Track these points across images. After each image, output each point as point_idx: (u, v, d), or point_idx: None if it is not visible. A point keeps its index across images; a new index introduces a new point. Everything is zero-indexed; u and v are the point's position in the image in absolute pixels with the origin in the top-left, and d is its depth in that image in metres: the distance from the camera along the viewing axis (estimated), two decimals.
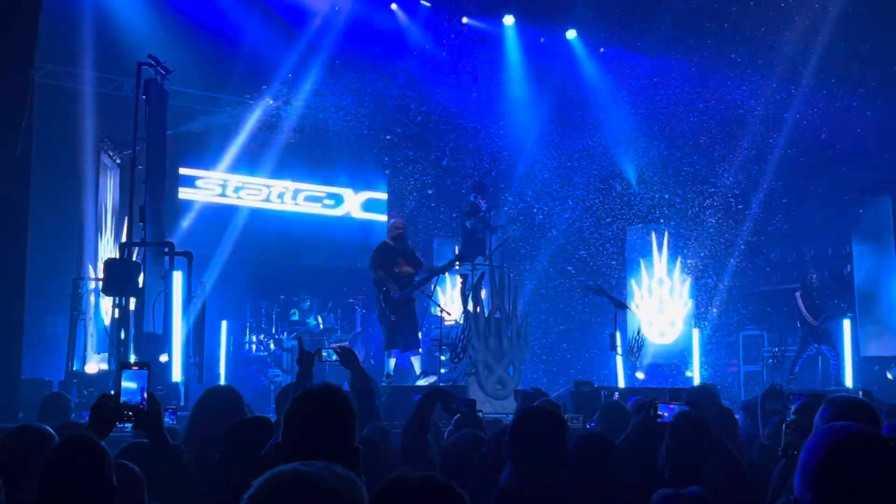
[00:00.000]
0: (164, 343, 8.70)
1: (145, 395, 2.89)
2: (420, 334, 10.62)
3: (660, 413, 4.05)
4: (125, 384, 2.90)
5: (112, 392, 2.91)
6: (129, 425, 2.97)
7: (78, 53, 11.91)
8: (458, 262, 10.66)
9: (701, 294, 14.76)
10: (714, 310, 14.54)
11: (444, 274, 10.96)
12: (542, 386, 8.29)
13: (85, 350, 10.65)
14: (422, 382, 10.14)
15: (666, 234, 15.04)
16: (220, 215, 13.88)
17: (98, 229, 11.92)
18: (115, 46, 11.78)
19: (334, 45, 13.68)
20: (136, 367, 2.93)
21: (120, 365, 3.00)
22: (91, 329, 10.96)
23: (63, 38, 11.23)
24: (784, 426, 3.71)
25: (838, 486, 1.84)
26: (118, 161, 12.03)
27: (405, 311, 10.21)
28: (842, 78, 13.22)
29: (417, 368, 10.53)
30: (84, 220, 11.98)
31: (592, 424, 5.82)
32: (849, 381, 12.29)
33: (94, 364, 10.52)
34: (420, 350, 10.57)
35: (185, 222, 13.43)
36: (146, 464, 3.11)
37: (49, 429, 3.12)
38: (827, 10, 12.68)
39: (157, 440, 2.91)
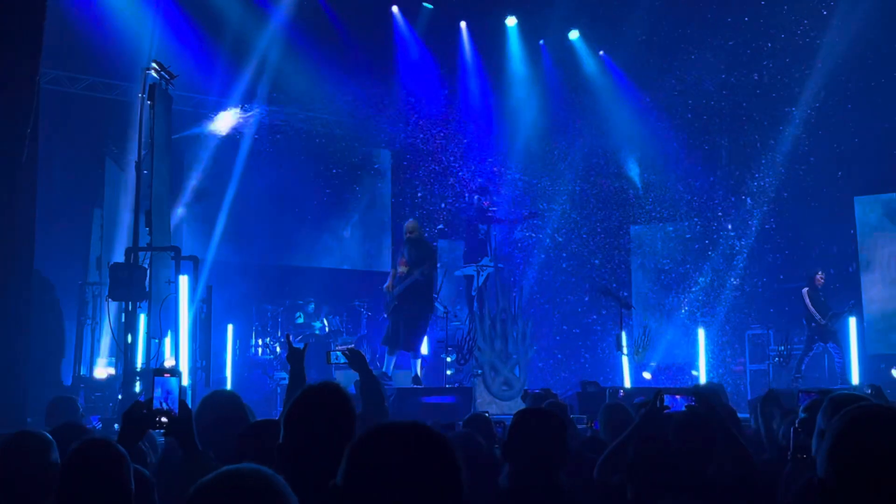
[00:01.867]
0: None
1: (176, 401, 2.89)
2: (425, 338, 10.56)
3: (666, 405, 4.04)
4: (155, 391, 2.90)
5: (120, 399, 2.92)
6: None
7: (83, 58, 11.93)
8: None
9: (707, 293, 14.73)
10: (720, 309, 14.52)
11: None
12: (547, 387, 8.29)
13: (92, 355, 10.68)
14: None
15: (671, 232, 15.02)
16: (221, 216, 13.88)
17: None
18: (119, 51, 11.80)
19: (335, 46, 13.66)
20: (167, 375, 2.93)
21: (153, 371, 3.00)
22: (104, 334, 10.96)
23: (66, 42, 11.24)
24: (792, 428, 3.68)
25: (855, 458, 1.86)
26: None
27: (407, 311, 10.08)
28: (847, 78, 13.21)
29: (418, 371, 10.40)
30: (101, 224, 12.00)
31: (597, 425, 5.82)
32: (855, 379, 12.26)
33: (102, 369, 10.54)
34: (418, 354, 10.35)
35: (189, 224, 13.44)
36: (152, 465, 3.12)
37: (47, 434, 3.08)
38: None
39: (188, 447, 2.91)
